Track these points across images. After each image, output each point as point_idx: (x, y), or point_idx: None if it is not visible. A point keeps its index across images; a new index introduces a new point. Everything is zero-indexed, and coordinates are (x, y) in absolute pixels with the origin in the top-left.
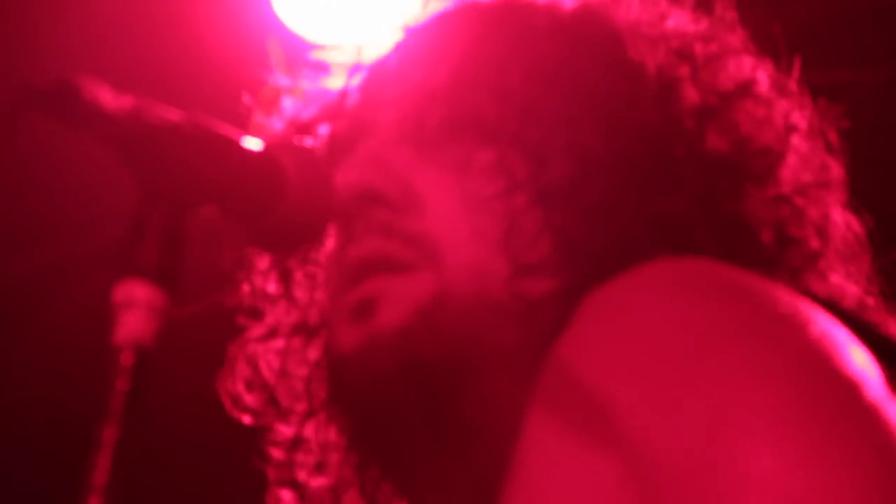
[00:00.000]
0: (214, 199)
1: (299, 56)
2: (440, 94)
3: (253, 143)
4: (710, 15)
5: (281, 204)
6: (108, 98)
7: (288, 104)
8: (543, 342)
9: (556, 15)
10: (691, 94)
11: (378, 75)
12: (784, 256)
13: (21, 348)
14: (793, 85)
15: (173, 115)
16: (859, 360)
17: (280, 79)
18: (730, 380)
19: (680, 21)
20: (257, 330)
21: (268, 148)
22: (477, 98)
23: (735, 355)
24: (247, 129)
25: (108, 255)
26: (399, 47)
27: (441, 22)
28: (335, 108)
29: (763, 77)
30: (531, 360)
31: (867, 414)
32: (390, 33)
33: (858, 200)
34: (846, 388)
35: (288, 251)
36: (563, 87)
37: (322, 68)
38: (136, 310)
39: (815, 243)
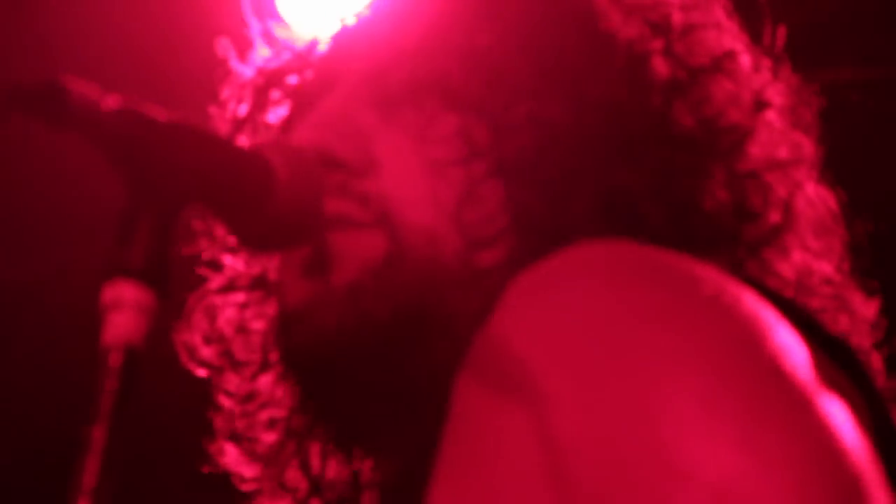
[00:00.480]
0: (203, 198)
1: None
2: (405, 54)
3: (242, 142)
4: None
5: (270, 203)
6: (95, 98)
7: (258, 53)
8: (490, 310)
9: None
10: (661, 69)
11: (350, 29)
12: (741, 232)
13: (16, 353)
14: (770, 58)
15: (161, 114)
16: (783, 342)
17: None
18: (651, 364)
19: (666, 7)
20: (216, 281)
21: (257, 147)
22: (442, 61)
23: (658, 339)
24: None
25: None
26: (371, 3)
27: None
28: (302, 57)
29: (741, 49)
30: (476, 327)
31: (788, 396)
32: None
33: (857, 199)
34: (768, 371)
35: (276, 250)
36: (530, 56)
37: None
38: (124, 310)
39: (775, 218)
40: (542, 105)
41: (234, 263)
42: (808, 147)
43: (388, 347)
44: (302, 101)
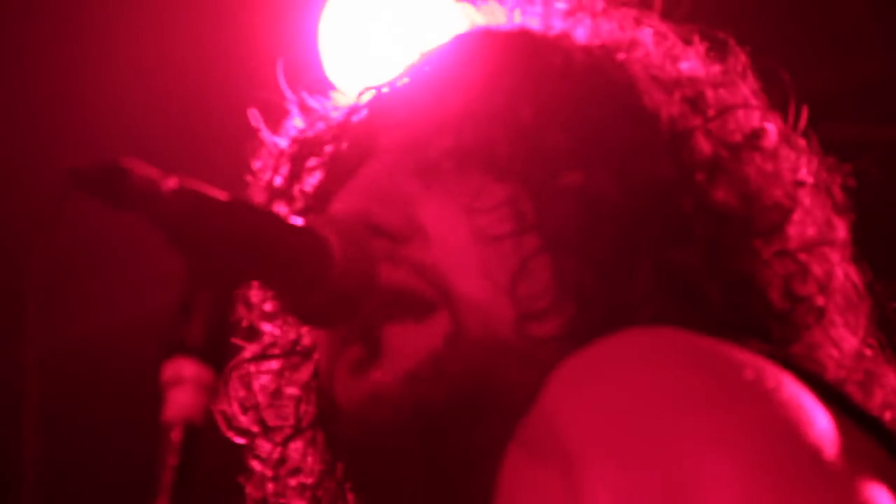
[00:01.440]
0: (260, 277)
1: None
2: (449, 123)
3: (296, 220)
4: (722, 58)
5: (325, 279)
6: (154, 179)
7: (292, 122)
8: (542, 384)
9: (572, 53)
10: (703, 146)
11: (387, 97)
12: (789, 313)
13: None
14: (800, 137)
15: (218, 194)
16: (823, 428)
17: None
18: (693, 448)
19: (693, 64)
20: (251, 349)
21: (311, 223)
22: (487, 131)
23: (699, 424)
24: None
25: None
26: (411, 70)
27: (455, 48)
28: (339, 126)
29: (772, 128)
30: (529, 402)
31: (828, 482)
32: (404, 57)
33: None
34: (808, 457)
35: (332, 324)
36: (576, 129)
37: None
38: (184, 387)
39: (820, 300)
40: (589, 178)
41: (269, 330)
42: (840, 228)
43: (442, 430)
44: (339, 169)
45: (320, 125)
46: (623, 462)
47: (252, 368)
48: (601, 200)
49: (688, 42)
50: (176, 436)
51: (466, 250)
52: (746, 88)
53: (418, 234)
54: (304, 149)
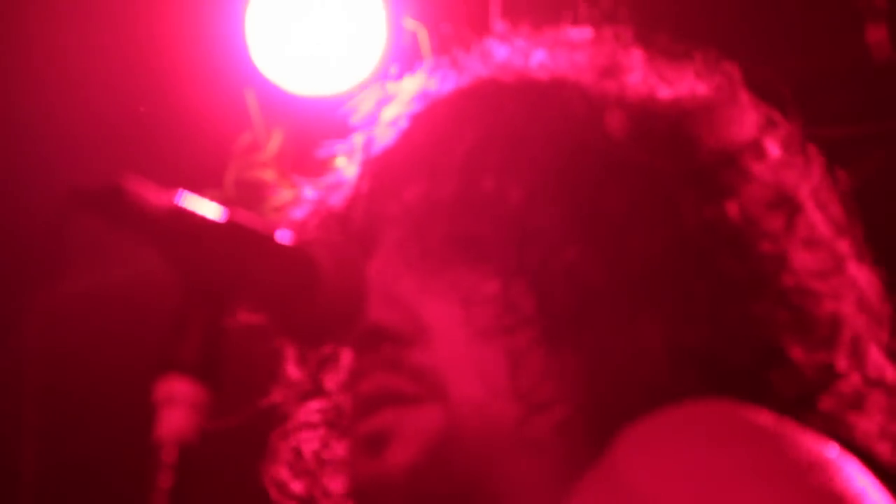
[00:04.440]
0: (251, 295)
1: (278, 107)
2: (440, 214)
3: (287, 238)
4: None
5: (315, 298)
6: (150, 198)
7: (295, 211)
8: (552, 473)
9: (559, 122)
10: (700, 212)
11: (381, 183)
12: (816, 373)
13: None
14: (800, 148)
15: (212, 212)
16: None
17: (258, 130)
18: None
19: (683, 87)
20: (297, 419)
21: (301, 242)
22: (477, 220)
23: (754, 499)
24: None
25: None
26: (400, 148)
27: (441, 119)
28: (351, 202)
29: (771, 147)
30: (542, 491)
31: None
32: (391, 120)
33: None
34: None
35: (321, 343)
36: (565, 202)
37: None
38: (177, 406)
39: (856, 379)
40: (580, 256)
41: (311, 402)
42: (845, 244)
43: None
44: None
45: (336, 199)
46: None
47: (300, 436)
48: (596, 279)
49: (678, 59)
50: (169, 456)
51: (464, 349)
52: (740, 102)
53: (420, 336)
54: (329, 224)
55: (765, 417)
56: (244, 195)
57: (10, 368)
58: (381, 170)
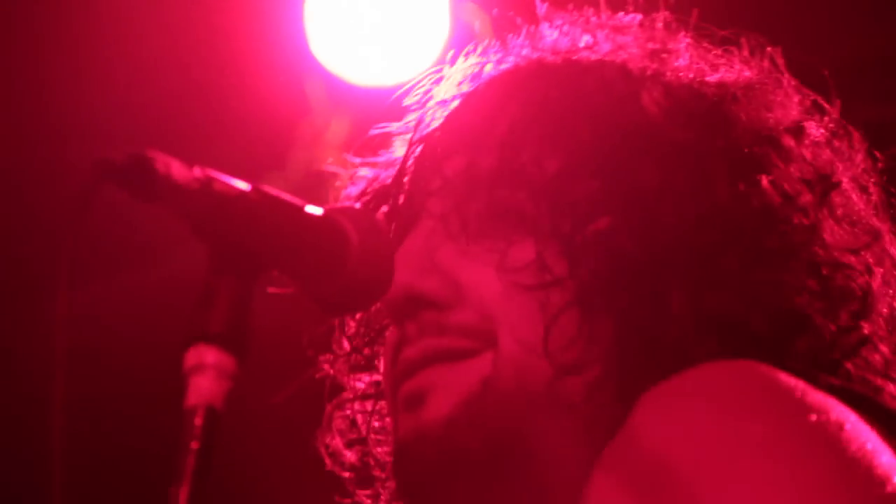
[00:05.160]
0: (279, 265)
1: (338, 97)
2: (481, 185)
3: (315, 210)
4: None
5: (343, 268)
6: (178, 171)
7: (347, 184)
8: (582, 432)
9: (594, 86)
10: (734, 186)
11: (426, 158)
12: (841, 338)
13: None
14: (843, 132)
15: (239, 184)
16: (889, 466)
17: (319, 118)
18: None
19: (726, 71)
20: (353, 389)
21: (329, 213)
22: (515, 190)
23: (765, 474)
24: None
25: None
26: (446, 126)
27: (485, 98)
28: (389, 192)
29: (810, 128)
30: (571, 449)
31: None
32: (433, 99)
33: None
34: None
35: (349, 313)
36: (601, 173)
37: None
38: (206, 374)
39: (864, 324)
40: (613, 224)
41: (364, 376)
42: (881, 222)
43: (485, 475)
44: (393, 231)
45: (386, 176)
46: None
47: (354, 407)
48: (628, 247)
49: (724, 44)
50: (198, 421)
51: (500, 307)
52: (784, 87)
53: (458, 300)
54: (377, 198)
55: (783, 377)
56: (308, 183)
57: (37, 366)
58: (425, 147)
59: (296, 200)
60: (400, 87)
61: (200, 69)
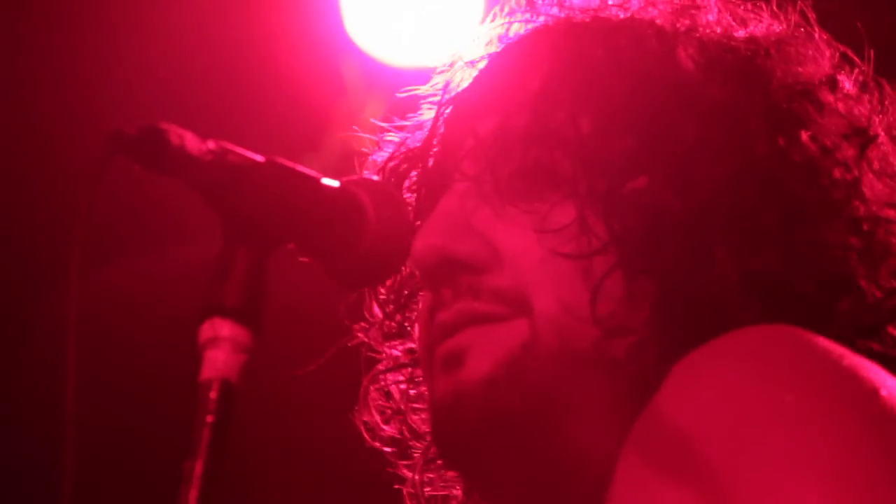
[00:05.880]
0: (295, 238)
1: (374, 78)
2: (514, 145)
3: (331, 182)
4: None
5: (360, 240)
6: (192, 143)
7: (375, 151)
8: (625, 393)
9: (627, 42)
10: (772, 141)
11: (457, 119)
12: (886, 302)
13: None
14: (877, 86)
15: (254, 156)
16: None
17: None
18: (808, 464)
19: (760, 25)
20: (386, 362)
21: (346, 185)
22: (550, 149)
23: (800, 444)
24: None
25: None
26: (475, 86)
27: (516, 57)
28: (427, 142)
29: (843, 81)
30: (613, 410)
31: None
32: (462, 60)
33: None
34: None
35: (367, 286)
36: (636, 131)
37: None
38: (221, 347)
39: None
40: (650, 184)
41: (396, 344)
42: None
43: (527, 436)
44: (428, 192)
45: (415, 139)
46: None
47: (390, 378)
48: (668, 205)
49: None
50: (213, 394)
51: (540, 271)
52: (815, 41)
53: (495, 263)
54: (406, 163)
55: (820, 342)
56: (343, 164)
57: (49, 356)
58: (455, 108)
59: (312, 172)
60: (435, 68)
61: (236, 51)
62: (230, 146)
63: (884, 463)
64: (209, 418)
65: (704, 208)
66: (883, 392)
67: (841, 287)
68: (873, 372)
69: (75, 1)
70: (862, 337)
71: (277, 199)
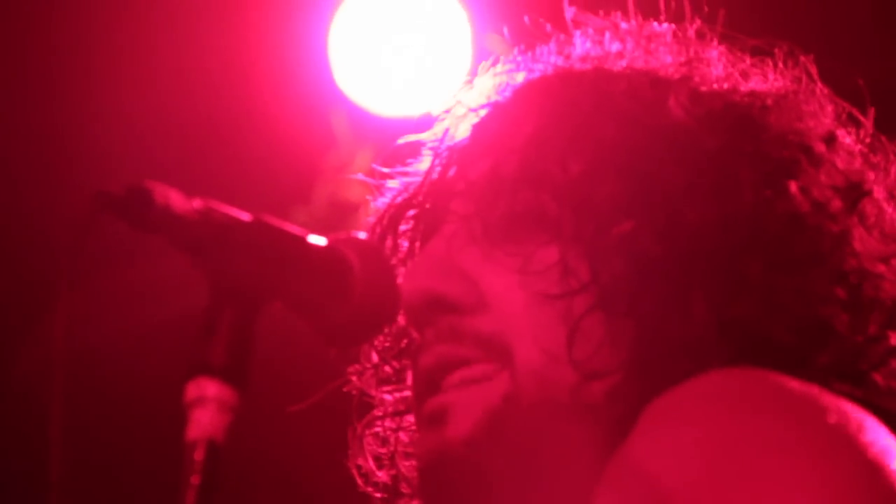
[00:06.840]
0: (282, 297)
1: (363, 128)
2: (504, 189)
3: (318, 240)
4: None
5: (347, 299)
6: (177, 202)
7: (369, 196)
8: (606, 439)
9: (624, 102)
10: (752, 180)
11: (449, 164)
12: (864, 352)
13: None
14: (874, 150)
15: (240, 215)
16: None
17: (344, 150)
18: (777, 494)
19: (759, 79)
20: (384, 407)
21: (333, 243)
22: (538, 193)
23: (784, 471)
24: (317, 209)
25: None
26: (472, 134)
27: (511, 105)
28: (420, 188)
29: (842, 137)
30: (595, 457)
31: None
32: (460, 110)
33: None
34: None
35: (354, 344)
36: (623, 177)
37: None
38: (207, 407)
39: (891, 335)
40: (636, 229)
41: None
42: None
43: (510, 491)
44: (421, 233)
45: (411, 187)
46: None
47: (385, 425)
48: (651, 251)
49: (757, 54)
50: (199, 455)
51: (522, 316)
52: (817, 97)
53: (479, 304)
54: (399, 213)
55: (795, 382)
56: (333, 215)
57: (35, 369)
58: (452, 154)
59: (299, 231)
60: (424, 117)
61: (224, 101)
62: (216, 204)
63: (870, 496)
64: (195, 479)
65: (686, 254)
66: (867, 426)
67: (821, 337)
68: (851, 409)
69: (58, 54)
70: (846, 384)
71: (264, 259)
